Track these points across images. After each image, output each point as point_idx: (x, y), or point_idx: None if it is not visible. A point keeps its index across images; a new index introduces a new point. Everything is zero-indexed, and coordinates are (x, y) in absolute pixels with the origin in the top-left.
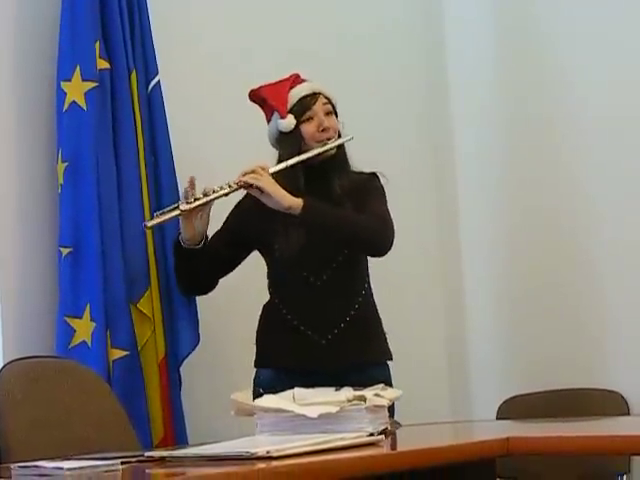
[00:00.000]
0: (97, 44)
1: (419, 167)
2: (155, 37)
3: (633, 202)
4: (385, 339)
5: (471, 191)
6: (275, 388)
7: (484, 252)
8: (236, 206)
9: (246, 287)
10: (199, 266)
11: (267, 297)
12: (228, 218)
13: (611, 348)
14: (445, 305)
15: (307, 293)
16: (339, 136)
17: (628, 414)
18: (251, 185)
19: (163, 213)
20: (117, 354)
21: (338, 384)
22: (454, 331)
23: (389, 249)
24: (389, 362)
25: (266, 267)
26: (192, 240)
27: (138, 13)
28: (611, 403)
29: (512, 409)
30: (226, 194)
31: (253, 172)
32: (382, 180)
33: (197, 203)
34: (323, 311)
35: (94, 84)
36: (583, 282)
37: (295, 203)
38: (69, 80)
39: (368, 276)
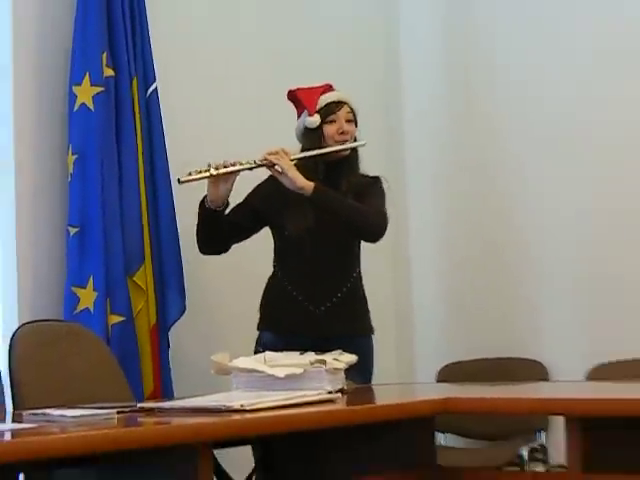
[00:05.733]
0: (104, 54)
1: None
2: (154, 48)
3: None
4: (369, 316)
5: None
6: (276, 348)
7: (429, 224)
8: (257, 187)
9: (235, 262)
10: (218, 228)
11: (255, 271)
12: (249, 195)
13: (537, 324)
14: (392, 275)
15: (307, 268)
16: (355, 141)
17: (547, 380)
18: (273, 165)
19: (197, 172)
20: (115, 319)
21: (329, 350)
22: (401, 304)
23: (381, 237)
24: (372, 335)
25: (273, 244)
26: (215, 202)
27: (140, 27)
28: (534, 370)
29: (450, 374)
30: (250, 168)
31: (277, 153)
32: (384, 184)
33: (226, 170)
34: (319, 285)
35: (101, 89)
36: (519, 266)
37: (307, 185)
38: (80, 84)
39: (359, 261)
